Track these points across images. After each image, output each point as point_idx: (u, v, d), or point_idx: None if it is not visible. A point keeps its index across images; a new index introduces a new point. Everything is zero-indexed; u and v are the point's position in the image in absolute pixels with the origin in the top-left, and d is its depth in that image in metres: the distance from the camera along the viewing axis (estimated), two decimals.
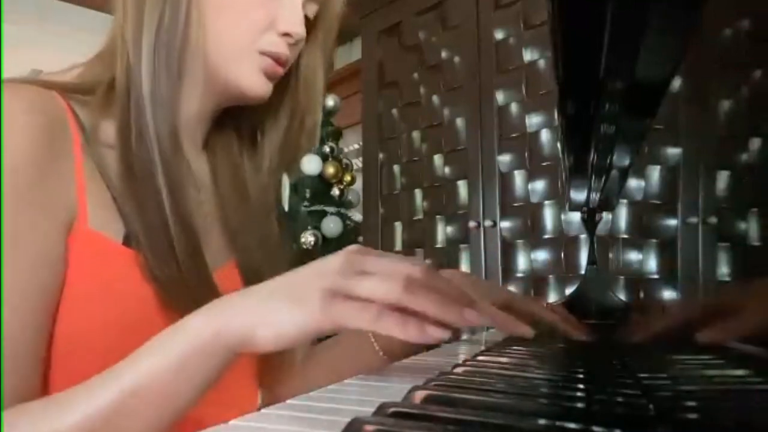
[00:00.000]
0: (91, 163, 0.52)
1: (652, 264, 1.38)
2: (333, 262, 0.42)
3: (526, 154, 1.64)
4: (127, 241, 0.52)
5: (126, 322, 0.51)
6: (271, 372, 0.66)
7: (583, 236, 1.49)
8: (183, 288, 0.52)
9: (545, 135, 1.60)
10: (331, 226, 2.43)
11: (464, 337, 0.89)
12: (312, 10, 0.61)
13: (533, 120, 1.63)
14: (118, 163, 0.53)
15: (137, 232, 0.51)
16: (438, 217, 1.87)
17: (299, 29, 0.58)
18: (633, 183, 1.37)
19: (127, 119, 0.53)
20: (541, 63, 1.61)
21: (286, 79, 0.63)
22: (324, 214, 2.47)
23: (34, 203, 0.46)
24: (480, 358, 0.47)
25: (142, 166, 0.52)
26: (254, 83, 0.58)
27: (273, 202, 0.67)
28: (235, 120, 0.66)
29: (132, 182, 0.52)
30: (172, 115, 0.54)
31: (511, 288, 1.66)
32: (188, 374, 0.41)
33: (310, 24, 0.62)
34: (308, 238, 2.36)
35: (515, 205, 1.66)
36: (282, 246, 0.67)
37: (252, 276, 0.61)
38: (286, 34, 0.58)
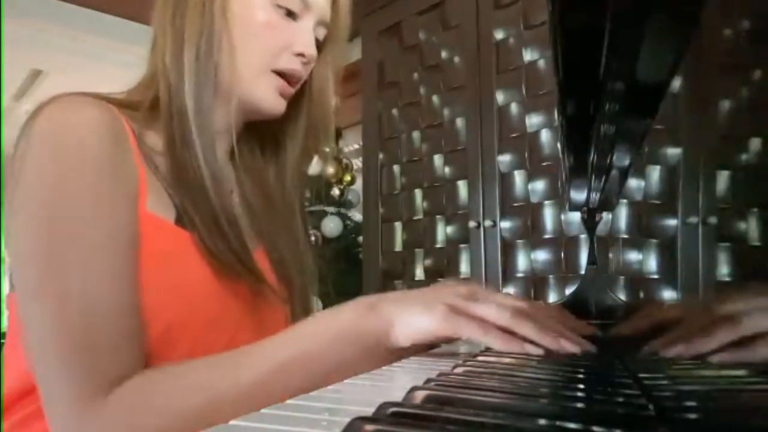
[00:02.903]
0: (143, 160, 0.61)
1: (652, 264, 1.38)
2: (459, 287, 0.52)
3: (526, 154, 1.64)
4: (179, 223, 0.61)
5: (188, 287, 0.60)
6: None
7: (583, 236, 1.49)
8: (232, 261, 0.62)
9: (545, 135, 1.60)
10: (331, 226, 2.43)
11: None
12: (321, 33, 0.70)
13: (533, 120, 1.63)
14: (168, 168, 0.62)
15: (194, 220, 0.61)
16: (438, 217, 1.87)
17: (312, 50, 0.67)
18: (633, 183, 1.37)
19: (172, 132, 0.63)
20: (541, 63, 1.61)
21: (301, 95, 0.72)
22: (324, 214, 2.48)
23: (111, 188, 0.55)
24: (480, 358, 0.47)
25: (189, 169, 0.62)
26: (269, 100, 0.67)
27: (297, 203, 0.76)
28: (259, 132, 0.75)
29: (183, 183, 0.62)
30: (213, 127, 0.64)
31: (511, 288, 1.66)
32: (333, 355, 0.50)
33: (320, 45, 0.71)
34: None
35: (515, 205, 1.66)
36: (306, 240, 0.77)
37: (278, 263, 0.71)
38: (300, 55, 0.66)
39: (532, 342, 0.47)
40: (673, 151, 1.35)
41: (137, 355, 0.53)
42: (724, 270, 1.26)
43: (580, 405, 0.30)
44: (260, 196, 0.73)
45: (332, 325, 0.51)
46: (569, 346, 0.47)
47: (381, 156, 2.06)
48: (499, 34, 1.72)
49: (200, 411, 0.48)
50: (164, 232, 0.59)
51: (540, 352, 0.46)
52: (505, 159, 1.69)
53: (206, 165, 0.62)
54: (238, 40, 0.64)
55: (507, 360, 0.46)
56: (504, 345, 0.47)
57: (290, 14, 0.66)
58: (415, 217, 1.94)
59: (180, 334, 0.58)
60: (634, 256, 1.40)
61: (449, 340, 0.53)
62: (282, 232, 0.73)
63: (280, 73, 0.67)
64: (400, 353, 0.51)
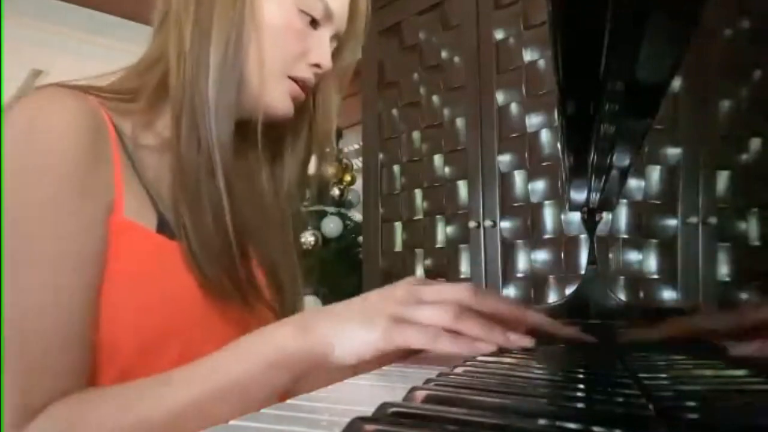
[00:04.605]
0: (127, 163, 0.57)
1: (652, 264, 1.38)
2: (396, 291, 0.49)
3: (526, 154, 1.64)
4: (161, 230, 0.57)
5: (168, 304, 0.56)
6: None
7: (583, 236, 1.49)
8: (221, 276, 0.58)
9: (545, 135, 1.60)
10: (331, 226, 2.43)
11: None
12: (333, 45, 0.69)
13: (533, 120, 1.63)
14: (174, 167, 0.59)
15: (185, 228, 0.57)
16: (438, 217, 1.87)
17: (328, 62, 0.67)
18: (633, 183, 1.37)
19: (181, 127, 0.59)
20: (541, 63, 1.61)
21: (306, 103, 0.70)
22: (324, 214, 2.48)
23: (76, 197, 0.51)
24: (480, 358, 0.47)
25: (197, 169, 0.59)
26: (281, 103, 0.65)
27: (290, 210, 0.74)
28: (256, 141, 0.71)
29: (186, 183, 0.58)
30: (232, 125, 0.61)
31: (511, 288, 1.66)
32: (267, 381, 0.47)
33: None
34: (308, 238, 2.36)
35: (515, 205, 1.66)
36: (296, 248, 0.74)
37: (270, 268, 0.69)
38: (315, 65, 0.66)
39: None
40: (673, 151, 1.35)
41: (76, 374, 0.49)
42: (724, 270, 1.26)
43: (580, 405, 0.30)
44: (251, 200, 0.70)
45: (264, 349, 0.47)
46: (519, 341, 0.47)
47: (381, 156, 2.06)
48: (499, 34, 1.72)
49: None
50: (143, 240, 0.56)
51: (492, 348, 0.46)
52: (505, 159, 1.69)
53: (222, 166, 0.59)
54: (265, 36, 0.62)
55: (507, 360, 0.46)
56: (454, 348, 0.45)
57: (313, 22, 0.65)
58: (415, 217, 1.94)
59: (158, 353, 0.54)
60: (634, 256, 1.40)
61: (415, 351, 0.52)
62: (273, 238, 0.71)
63: (294, 80, 0.66)
64: (360, 368, 0.48)
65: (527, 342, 0.48)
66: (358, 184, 2.32)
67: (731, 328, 0.49)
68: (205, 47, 0.59)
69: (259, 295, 0.63)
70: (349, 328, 0.47)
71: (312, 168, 0.78)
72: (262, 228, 0.70)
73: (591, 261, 0.78)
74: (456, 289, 0.49)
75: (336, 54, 0.70)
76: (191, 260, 0.57)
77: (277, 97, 0.65)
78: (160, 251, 0.57)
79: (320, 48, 0.66)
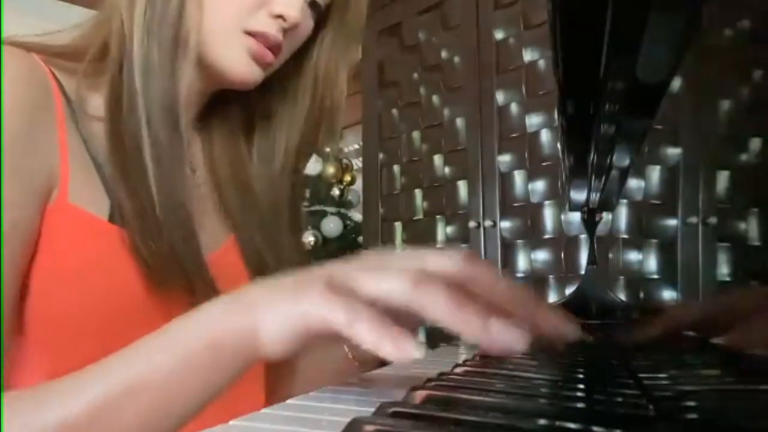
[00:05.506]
0: (77, 136, 0.50)
1: (652, 264, 1.38)
2: (354, 258, 0.36)
3: (526, 154, 1.64)
4: (113, 219, 0.49)
5: (112, 302, 0.48)
6: (274, 371, 0.65)
7: (583, 236, 1.49)
8: (171, 269, 0.49)
9: (545, 135, 1.60)
10: (331, 226, 2.43)
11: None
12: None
13: (533, 120, 1.63)
14: (106, 136, 0.50)
15: (124, 210, 0.48)
16: (438, 217, 1.87)
17: (294, 13, 0.54)
18: (633, 183, 1.37)
19: (118, 90, 0.50)
20: (541, 63, 1.61)
21: (303, 72, 0.61)
22: (324, 214, 2.48)
23: (9, 171, 0.43)
24: (480, 358, 0.47)
25: (131, 139, 0.49)
26: (238, 64, 0.55)
27: (285, 197, 0.64)
28: (242, 108, 0.63)
29: (120, 157, 0.49)
30: (169, 89, 0.51)
31: None
32: (194, 373, 0.35)
33: (327, 13, 0.60)
34: (308, 238, 2.36)
35: (515, 205, 1.66)
36: (292, 233, 0.64)
37: (253, 257, 0.60)
38: (279, 17, 0.54)
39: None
40: (673, 151, 1.35)
41: None
42: (724, 270, 1.26)
43: (580, 405, 0.30)
44: (232, 182, 0.62)
45: (189, 334, 0.36)
46: (503, 335, 0.31)
47: (381, 156, 2.06)
48: (499, 34, 1.72)
49: None
50: (86, 229, 0.48)
51: (419, 355, 0.30)
52: (505, 159, 1.69)
53: (150, 135, 0.49)
54: None
55: (507, 359, 0.46)
56: (369, 338, 0.31)
57: None
58: (415, 217, 1.94)
59: (101, 343, 0.43)
60: (634, 256, 1.40)
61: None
62: (256, 219, 0.61)
63: (254, 36, 0.54)
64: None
65: (516, 340, 0.32)
66: (358, 184, 2.32)
67: (720, 316, 0.49)
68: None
69: (211, 287, 0.52)
70: (278, 298, 0.34)
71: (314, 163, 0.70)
72: (246, 211, 0.61)
73: (591, 261, 0.78)
74: (439, 255, 0.35)
75: (335, 9, 0.60)
76: (133, 250, 0.49)
77: (233, 58, 0.54)
78: (107, 241, 0.48)
79: None
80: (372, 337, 0.31)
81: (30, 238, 0.45)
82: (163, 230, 0.49)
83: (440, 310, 0.32)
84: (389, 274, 0.33)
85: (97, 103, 0.52)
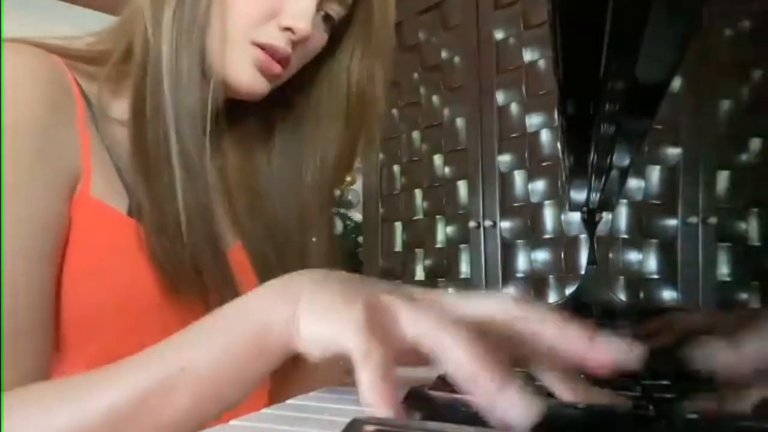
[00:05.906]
0: (98, 138, 0.50)
1: (652, 264, 1.38)
2: (404, 287, 0.35)
3: (526, 154, 1.64)
4: (131, 213, 0.50)
5: (129, 297, 0.49)
6: (280, 371, 0.64)
7: (583, 236, 1.49)
8: (186, 269, 0.50)
9: (545, 135, 1.60)
10: None
11: None
12: (335, 9, 0.58)
13: (533, 120, 1.62)
14: (130, 140, 0.51)
15: (143, 210, 0.49)
16: (438, 217, 1.87)
17: (303, 25, 0.54)
18: (633, 183, 1.37)
19: (142, 95, 0.51)
20: (541, 63, 1.61)
21: (335, 87, 0.61)
22: None
23: (34, 168, 0.44)
24: None
25: (156, 144, 0.50)
26: (243, 75, 0.55)
27: (315, 208, 0.63)
28: (259, 118, 0.63)
29: (143, 160, 0.50)
30: (197, 97, 0.52)
31: (511, 289, 1.66)
32: (244, 358, 0.34)
33: (336, 26, 0.59)
34: None
35: (515, 205, 1.66)
36: (324, 243, 0.64)
37: (259, 261, 0.60)
38: (288, 29, 0.54)
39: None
40: (673, 151, 1.35)
41: (29, 363, 0.43)
42: (724, 270, 1.26)
43: (580, 405, 0.30)
44: (245, 186, 0.62)
45: (226, 330, 0.35)
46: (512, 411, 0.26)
47: (381, 156, 2.06)
48: (499, 34, 1.72)
49: None
50: (110, 222, 0.49)
51: (389, 413, 0.27)
52: (505, 159, 1.69)
53: (178, 140, 0.50)
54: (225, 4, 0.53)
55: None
56: (364, 389, 0.28)
57: None
58: (415, 217, 1.94)
59: (117, 345, 0.44)
60: (634, 256, 1.40)
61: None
62: (267, 229, 0.61)
63: (262, 48, 0.54)
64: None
65: (525, 413, 0.25)
66: (358, 184, 2.32)
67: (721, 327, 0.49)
68: (159, 7, 0.51)
69: (231, 285, 0.53)
70: (318, 306, 0.33)
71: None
72: (253, 215, 0.61)
73: (591, 261, 0.78)
74: (486, 298, 0.32)
75: (357, 24, 0.59)
76: (149, 250, 0.49)
77: (238, 68, 0.54)
78: (128, 234, 0.49)
79: (294, 8, 0.54)
80: (367, 386, 0.28)
81: (60, 231, 0.46)
82: (183, 232, 0.50)
83: (453, 359, 0.28)
84: (422, 307, 0.31)
85: (118, 107, 0.53)
